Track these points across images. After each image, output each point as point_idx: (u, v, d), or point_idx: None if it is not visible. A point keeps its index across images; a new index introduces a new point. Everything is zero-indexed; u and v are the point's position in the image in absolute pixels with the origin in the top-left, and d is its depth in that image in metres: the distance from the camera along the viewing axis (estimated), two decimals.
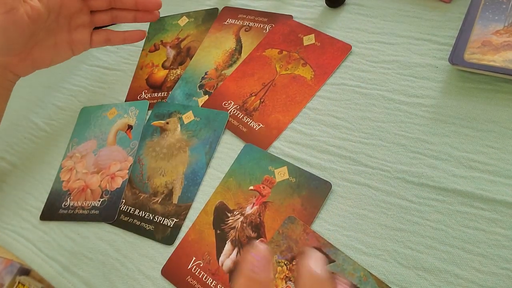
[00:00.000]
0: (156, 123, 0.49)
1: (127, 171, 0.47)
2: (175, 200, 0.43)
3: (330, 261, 0.30)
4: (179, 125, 0.48)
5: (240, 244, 0.38)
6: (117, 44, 0.52)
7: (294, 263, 0.30)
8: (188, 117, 0.48)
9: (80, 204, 0.46)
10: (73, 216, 0.46)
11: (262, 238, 0.37)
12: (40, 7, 0.44)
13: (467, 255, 0.32)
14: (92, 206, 0.46)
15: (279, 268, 0.30)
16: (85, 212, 0.46)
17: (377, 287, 0.28)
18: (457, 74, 0.40)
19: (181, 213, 0.42)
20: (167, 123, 0.48)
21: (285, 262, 0.31)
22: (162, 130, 0.48)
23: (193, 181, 0.44)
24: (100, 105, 0.54)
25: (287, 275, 0.31)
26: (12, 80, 0.48)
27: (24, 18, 0.42)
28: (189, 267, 0.39)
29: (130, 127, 0.50)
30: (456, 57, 0.38)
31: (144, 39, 0.58)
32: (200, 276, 0.38)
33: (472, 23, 0.39)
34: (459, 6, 0.43)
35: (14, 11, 0.41)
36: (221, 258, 0.38)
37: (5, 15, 0.41)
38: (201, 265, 0.39)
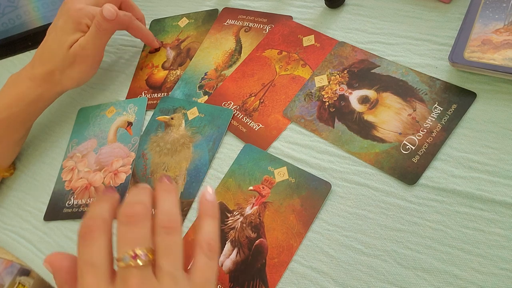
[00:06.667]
0: (160, 118, 0.49)
1: (130, 166, 0.47)
2: None
3: (376, 66, 0.41)
4: (183, 121, 0.48)
5: (240, 245, 0.38)
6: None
7: (345, 72, 0.42)
8: (193, 113, 0.48)
9: (84, 202, 0.46)
10: (78, 214, 0.46)
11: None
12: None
13: (467, 255, 0.32)
14: None
15: (332, 77, 0.43)
16: None
17: (416, 76, 0.36)
18: (457, 74, 0.40)
19: (182, 209, 0.42)
20: (172, 118, 0.48)
21: (338, 72, 0.43)
22: (167, 125, 0.48)
23: (195, 177, 0.44)
24: (98, 104, 0.54)
25: (339, 80, 0.42)
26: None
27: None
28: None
29: (130, 123, 0.50)
30: (456, 55, 0.38)
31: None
32: None
33: (472, 22, 0.39)
34: (458, 6, 0.43)
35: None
36: (221, 258, 0.38)
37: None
38: None
